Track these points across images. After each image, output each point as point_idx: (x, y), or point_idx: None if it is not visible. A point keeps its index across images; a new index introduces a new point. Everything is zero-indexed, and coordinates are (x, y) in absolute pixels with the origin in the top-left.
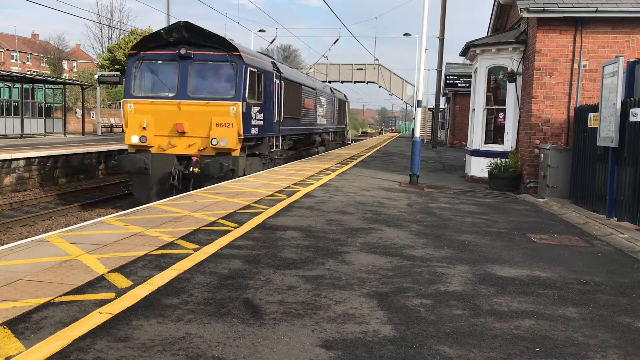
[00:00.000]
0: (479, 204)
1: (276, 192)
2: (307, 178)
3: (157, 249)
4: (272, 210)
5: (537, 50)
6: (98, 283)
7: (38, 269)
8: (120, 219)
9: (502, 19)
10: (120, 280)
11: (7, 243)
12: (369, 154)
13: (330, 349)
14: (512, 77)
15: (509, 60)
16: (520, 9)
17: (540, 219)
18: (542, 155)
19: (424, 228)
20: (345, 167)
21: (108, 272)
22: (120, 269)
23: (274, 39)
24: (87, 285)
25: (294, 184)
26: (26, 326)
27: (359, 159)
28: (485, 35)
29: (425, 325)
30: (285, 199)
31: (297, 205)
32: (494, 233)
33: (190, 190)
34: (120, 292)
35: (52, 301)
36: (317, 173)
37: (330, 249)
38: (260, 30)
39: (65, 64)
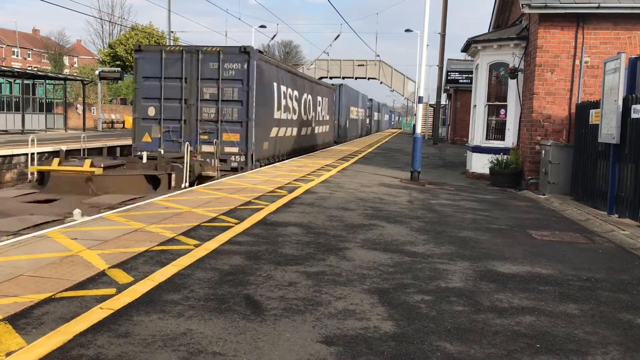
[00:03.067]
0: (480, 201)
1: (277, 188)
2: (308, 174)
3: (158, 245)
4: (273, 207)
5: (539, 46)
6: (99, 279)
7: (39, 264)
8: (121, 215)
9: (504, 15)
10: (121, 276)
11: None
12: (370, 150)
13: (331, 345)
14: (513, 73)
15: (511, 56)
16: (522, 5)
17: (541, 215)
18: (543, 151)
19: (425, 224)
20: (346, 164)
21: (109, 267)
22: (121, 265)
23: (275, 35)
24: (88, 280)
25: (295, 180)
26: (27, 322)
27: (360, 156)
28: (487, 31)
29: (426, 322)
30: (286, 195)
31: (298, 202)
32: (494, 229)
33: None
34: (121, 288)
35: (53, 297)
36: (318, 169)
37: (331, 245)
38: (261, 26)
39: (66, 60)
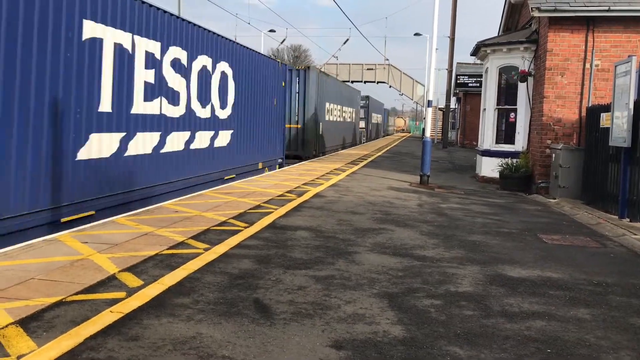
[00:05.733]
0: (490, 204)
1: (286, 192)
2: (317, 178)
3: (167, 249)
4: (282, 210)
5: (549, 49)
6: (109, 282)
7: (50, 268)
8: (131, 219)
9: (514, 18)
10: (131, 280)
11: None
12: (379, 154)
13: (340, 349)
14: (524, 76)
15: (520, 59)
16: (532, 8)
17: (551, 219)
18: (553, 155)
19: (435, 228)
20: (356, 167)
21: (119, 271)
22: (131, 269)
23: (284, 40)
24: (98, 284)
25: (304, 184)
26: (38, 325)
27: (369, 159)
28: (496, 34)
29: (436, 326)
30: (295, 199)
31: (307, 205)
32: (505, 233)
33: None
34: (131, 292)
35: (63, 300)
36: (327, 173)
37: (340, 249)
38: (271, 31)
39: None
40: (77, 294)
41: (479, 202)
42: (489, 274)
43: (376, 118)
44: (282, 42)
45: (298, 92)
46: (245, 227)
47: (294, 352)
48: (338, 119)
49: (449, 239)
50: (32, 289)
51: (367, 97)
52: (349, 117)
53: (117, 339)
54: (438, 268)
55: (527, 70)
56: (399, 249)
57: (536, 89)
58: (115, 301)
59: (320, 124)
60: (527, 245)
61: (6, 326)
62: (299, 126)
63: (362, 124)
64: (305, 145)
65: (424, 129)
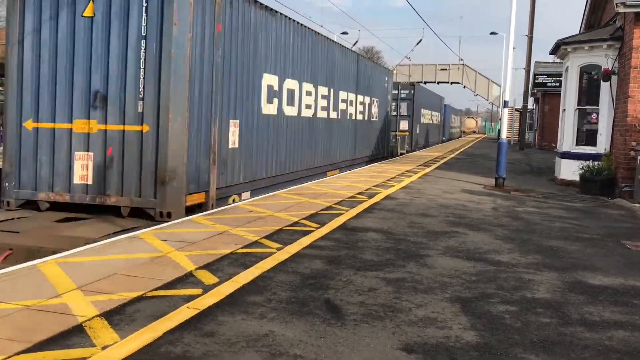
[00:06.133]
0: (569, 209)
1: (357, 193)
2: (388, 180)
3: (242, 248)
4: (353, 212)
5: (635, 47)
6: (186, 279)
7: (132, 264)
8: (208, 218)
9: (596, 14)
10: (207, 277)
11: None
12: (452, 156)
13: (411, 353)
14: (606, 75)
15: (603, 58)
16: (616, 4)
17: (635, 225)
18: (638, 157)
19: (510, 232)
20: (427, 169)
21: (196, 269)
22: (207, 266)
23: (357, 42)
24: (176, 281)
25: (375, 186)
26: (121, 318)
27: (442, 161)
28: (578, 32)
29: (510, 333)
30: (366, 200)
31: (378, 207)
32: (585, 239)
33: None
34: (206, 289)
35: (144, 295)
36: (398, 175)
37: (411, 251)
38: (343, 33)
39: None
40: (156, 289)
41: (557, 206)
42: (568, 281)
43: (429, 116)
44: (354, 44)
45: (145, 37)
46: (317, 228)
47: (364, 353)
48: (319, 115)
49: (525, 243)
50: (115, 284)
51: (412, 85)
52: (359, 112)
53: (193, 334)
54: (513, 273)
55: (610, 68)
56: (473, 253)
57: (620, 89)
58: (191, 298)
59: (233, 123)
60: (609, 251)
61: (92, 318)
62: (145, 128)
63: (403, 125)
64: (161, 181)
65: (499, 130)
